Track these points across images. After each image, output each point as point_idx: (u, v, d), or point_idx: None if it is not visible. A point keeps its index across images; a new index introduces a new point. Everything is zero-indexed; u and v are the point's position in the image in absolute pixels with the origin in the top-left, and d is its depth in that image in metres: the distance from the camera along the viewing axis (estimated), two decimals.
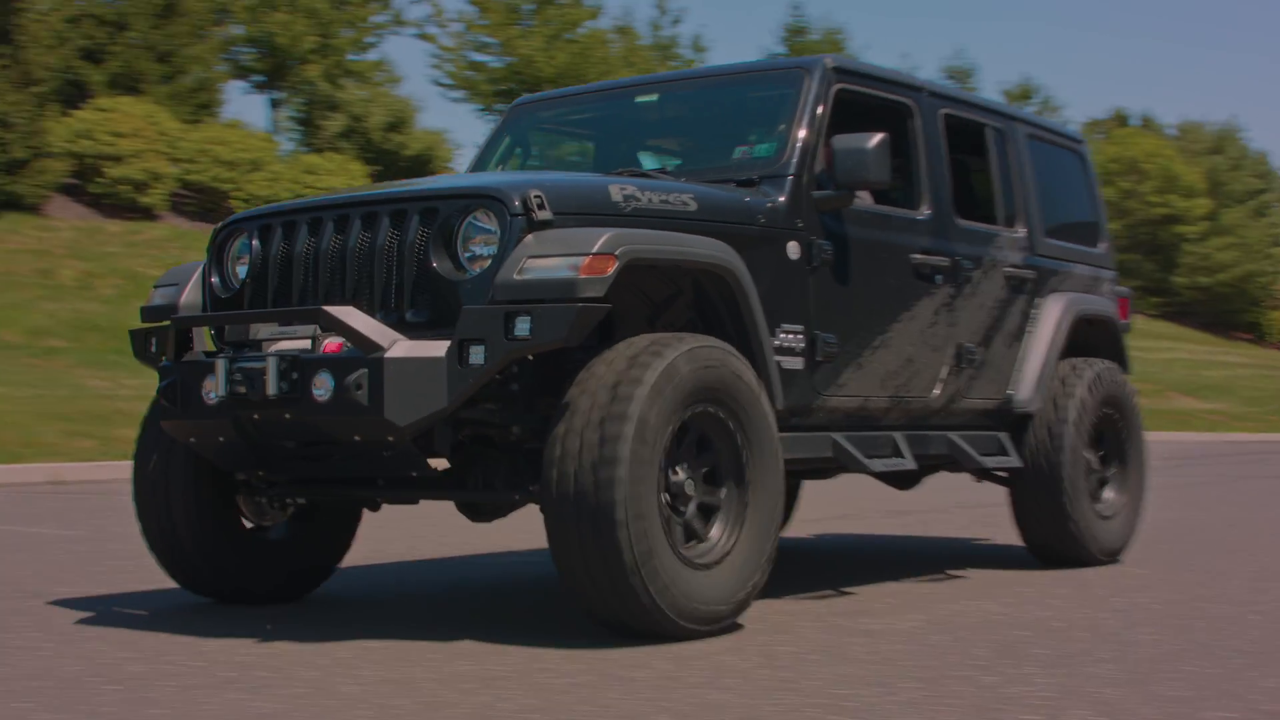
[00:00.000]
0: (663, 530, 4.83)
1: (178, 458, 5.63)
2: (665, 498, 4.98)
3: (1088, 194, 7.90)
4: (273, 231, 5.40)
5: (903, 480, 7.50)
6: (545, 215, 4.94)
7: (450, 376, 4.77)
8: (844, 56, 6.32)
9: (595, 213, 5.13)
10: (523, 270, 4.85)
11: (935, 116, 6.67)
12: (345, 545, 6.27)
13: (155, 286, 5.73)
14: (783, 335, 5.70)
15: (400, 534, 8.77)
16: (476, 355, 4.78)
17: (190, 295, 5.60)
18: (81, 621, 5.45)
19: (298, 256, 5.29)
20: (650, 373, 4.77)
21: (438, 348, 4.79)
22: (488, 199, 5.01)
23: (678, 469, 5.04)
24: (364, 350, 4.78)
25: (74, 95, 28.67)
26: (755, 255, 5.58)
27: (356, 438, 4.91)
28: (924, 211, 6.52)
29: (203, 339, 5.41)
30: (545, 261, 4.83)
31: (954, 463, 6.72)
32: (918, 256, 6.39)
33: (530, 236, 4.91)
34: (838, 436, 5.96)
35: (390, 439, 4.84)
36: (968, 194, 7.14)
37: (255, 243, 5.44)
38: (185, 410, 5.17)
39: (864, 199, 6.29)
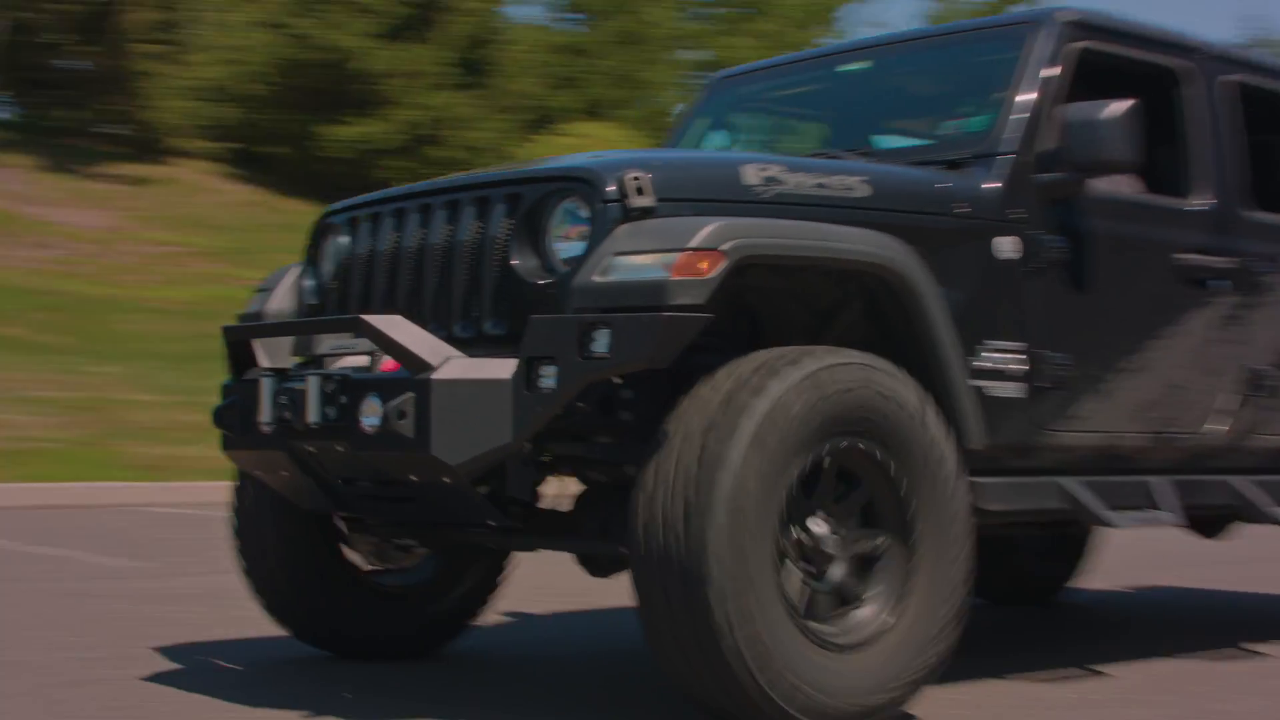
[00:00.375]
0: (780, 604, 3.77)
1: (271, 488, 4.88)
2: (800, 563, 3.94)
3: None
4: (360, 226, 4.60)
5: (1205, 527, 6.15)
6: (645, 201, 3.94)
7: (517, 404, 3.82)
8: (1090, 9, 5.06)
9: (721, 199, 4.09)
10: (607, 270, 3.87)
11: (1216, 84, 5.33)
12: (489, 590, 5.41)
13: (255, 290, 5.01)
14: (990, 354, 4.52)
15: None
16: (548, 378, 3.81)
17: (279, 301, 4.84)
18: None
19: (379, 255, 4.47)
20: (748, 419, 3.69)
21: (502, 368, 3.85)
22: (577, 182, 4.07)
23: (811, 522, 3.97)
24: (410, 369, 3.89)
25: (541, 121, 29.42)
26: (949, 253, 4.44)
27: (413, 477, 4.04)
28: (1198, 201, 5.19)
29: (277, 353, 4.64)
30: (634, 260, 3.84)
31: (1240, 514, 5.38)
32: (1188, 256, 5.06)
33: (623, 228, 3.93)
34: (1068, 482, 4.70)
35: (446, 480, 3.95)
36: (1271, 181, 5.76)
37: (343, 239, 4.66)
38: (244, 438, 4.40)
39: (1116, 186, 5.05)
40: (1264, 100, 5.55)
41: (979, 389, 4.48)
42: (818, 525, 3.97)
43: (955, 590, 4.10)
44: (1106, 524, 4.74)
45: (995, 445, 4.52)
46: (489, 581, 5.38)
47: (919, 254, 4.27)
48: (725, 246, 3.79)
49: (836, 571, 3.99)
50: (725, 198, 4.10)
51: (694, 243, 3.78)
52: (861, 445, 3.94)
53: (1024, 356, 4.60)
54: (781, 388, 3.76)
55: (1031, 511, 4.70)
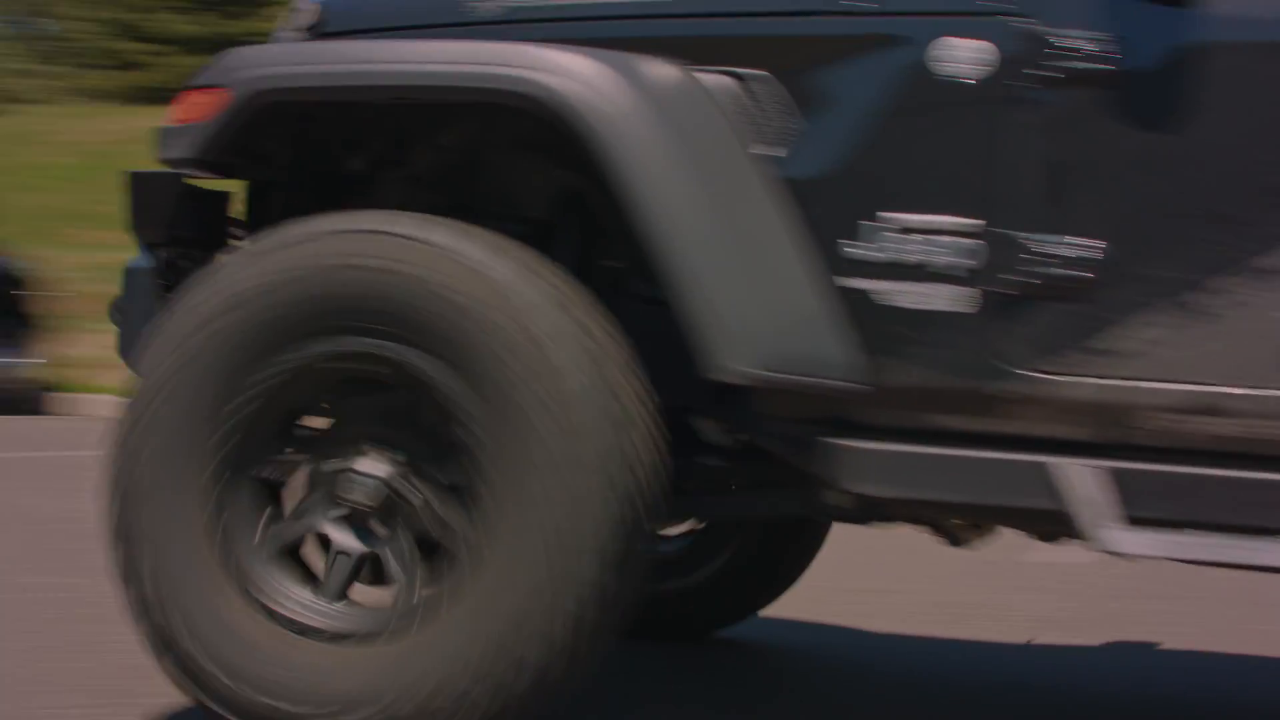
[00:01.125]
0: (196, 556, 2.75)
1: None
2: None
3: None
4: None
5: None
6: (295, 35, 3.15)
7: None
8: None
9: (421, 24, 3.03)
10: None
11: None
12: (788, 573, 4.33)
13: None
14: (893, 234, 2.71)
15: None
16: None
17: None
18: None
19: None
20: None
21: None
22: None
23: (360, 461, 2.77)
24: None
25: None
26: (825, 71, 2.76)
27: None
28: None
29: None
30: None
31: None
32: None
33: None
34: (1071, 468, 2.65)
35: None
36: None
37: None
38: None
39: None
40: None
41: (861, 292, 2.73)
42: (362, 463, 2.77)
43: (548, 582, 2.57)
44: (1110, 549, 2.60)
45: (893, 388, 2.73)
46: (796, 558, 4.30)
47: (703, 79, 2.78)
48: (232, 79, 2.84)
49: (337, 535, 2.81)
50: (426, 22, 3.02)
51: (199, 78, 2.92)
52: (387, 350, 2.68)
53: (978, 241, 2.68)
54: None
55: (967, 506, 2.75)
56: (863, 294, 2.72)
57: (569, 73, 2.70)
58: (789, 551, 4.28)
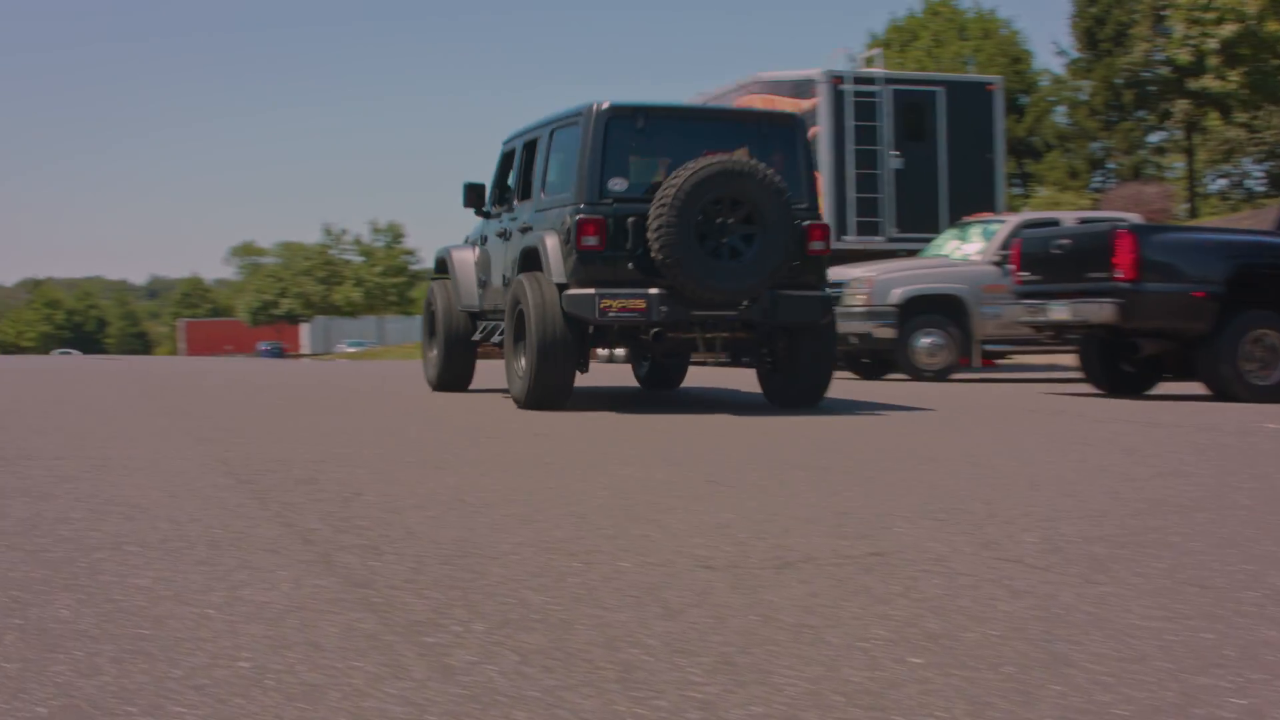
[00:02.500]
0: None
1: None
2: None
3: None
4: None
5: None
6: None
7: None
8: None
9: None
10: None
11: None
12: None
13: None
14: (481, 277, 13.52)
15: None
16: None
17: None
18: None
19: None
20: None
21: None
22: None
23: None
24: None
25: None
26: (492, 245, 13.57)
27: None
28: (509, 208, 13.00)
29: None
30: None
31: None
32: (505, 229, 12.86)
33: None
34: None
35: None
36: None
37: None
38: None
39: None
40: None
41: (482, 290, 13.55)
42: None
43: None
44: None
45: (478, 310, 13.71)
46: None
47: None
48: None
49: None
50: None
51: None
52: None
53: (481, 276, 13.42)
54: None
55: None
56: (482, 289, 13.57)
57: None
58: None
